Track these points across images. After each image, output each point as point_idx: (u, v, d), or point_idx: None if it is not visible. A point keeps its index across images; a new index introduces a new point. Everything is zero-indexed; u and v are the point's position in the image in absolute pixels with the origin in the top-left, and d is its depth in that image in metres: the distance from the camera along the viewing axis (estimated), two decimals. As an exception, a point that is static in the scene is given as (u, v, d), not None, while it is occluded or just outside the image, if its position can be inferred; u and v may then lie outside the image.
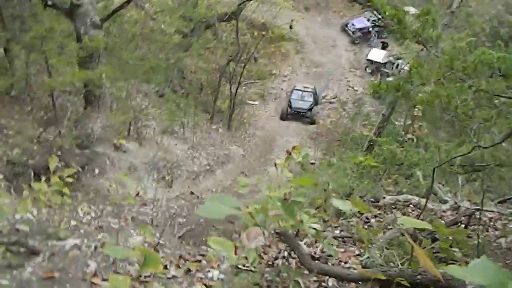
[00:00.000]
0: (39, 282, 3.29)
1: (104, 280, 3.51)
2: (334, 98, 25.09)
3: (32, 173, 6.27)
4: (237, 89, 19.02)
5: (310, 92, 23.15)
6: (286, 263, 3.90)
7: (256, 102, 24.19)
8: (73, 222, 5.27)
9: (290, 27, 27.16)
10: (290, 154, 3.77)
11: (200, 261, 4.30)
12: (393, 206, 6.16)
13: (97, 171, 7.72)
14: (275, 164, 3.55)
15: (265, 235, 1.44)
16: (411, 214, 6.04)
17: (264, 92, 25.03)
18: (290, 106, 22.57)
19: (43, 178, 4.53)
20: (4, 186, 5.69)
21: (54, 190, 4.47)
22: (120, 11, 10.34)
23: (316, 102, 23.13)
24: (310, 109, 22.23)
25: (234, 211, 1.17)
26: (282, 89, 26.03)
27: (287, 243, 3.53)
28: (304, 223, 3.21)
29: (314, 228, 3.17)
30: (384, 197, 6.54)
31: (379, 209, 6.48)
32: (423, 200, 6.37)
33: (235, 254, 1.37)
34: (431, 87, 2.28)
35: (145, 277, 3.85)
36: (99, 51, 6.91)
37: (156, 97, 14.26)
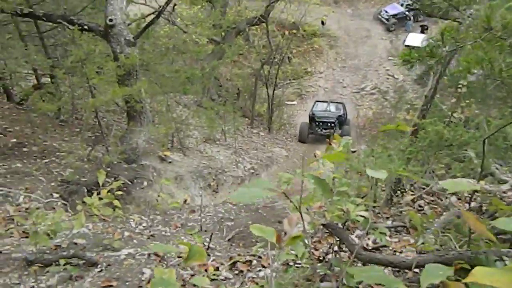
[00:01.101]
0: (99, 291, 3.42)
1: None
2: (374, 88, 24.48)
3: (86, 190, 6.57)
4: (273, 91, 19.01)
5: (338, 103, 19.99)
6: (337, 256, 3.80)
7: (294, 102, 24.09)
8: (126, 233, 5.47)
9: (322, 22, 26.86)
10: (330, 144, 3.68)
11: (251, 261, 4.30)
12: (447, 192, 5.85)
13: (145, 183, 7.96)
14: (315, 155, 3.48)
15: (307, 220, 1.40)
16: (467, 198, 5.72)
17: (301, 91, 24.89)
18: (313, 119, 18.18)
19: (95, 193, 4.74)
20: (61, 204, 6.01)
21: (105, 203, 4.65)
22: (153, 28, 10.71)
23: (345, 118, 19.02)
24: (340, 122, 18.00)
25: (268, 192, 1.13)
26: (319, 86, 25.77)
27: (336, 236, 3.44)
28: (351, 212, 3.12)
29: (362, 216, 3.07)
30: (437, 183, 6.23)
31: (432, 195, 6.19)
32: (481, 182, 6.01)
33: (279, 241, 1.34)
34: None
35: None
36: (136, 68, 7.15)
37: (195, 107, 14.56)
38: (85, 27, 7.07)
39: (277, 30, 22.02)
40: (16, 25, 8.24)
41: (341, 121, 18.33)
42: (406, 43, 23.87)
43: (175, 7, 12.50)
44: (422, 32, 24.49)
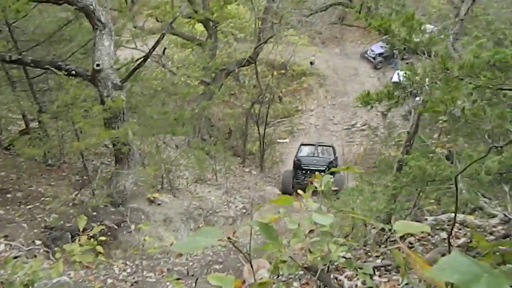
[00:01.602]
0: None
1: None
2: (364, 125, 24.79)
3: (70, 236, 6.41)
4: (265, 129, 19.16)
5: (327, 147, 17.59)
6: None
7: (286, 140, 24.24)
8: (109, 280, 5.31)
9: (311, 63, 27.58)
10: (312, 183, 3.66)
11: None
12: (437, 227, 5.79)
13: (132, 227, 7.79)
14: (298, 194, 3.44)
15: (269, 267, 1.35)
16: (458, 232, 5.66)
17: (293, 128, 25.12)
18: (298, 167, 15.77)
19: (76, 239, 4.60)
20: (43, 251, 5.83)
21: (86, 249, 4.52)
22: (144, 71, 10.91)
23: (336, 165, 15.82)
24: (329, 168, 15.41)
25: (211, 241, 1.10)
26: (310, 124, 26.06)
27: (318, 278, 3.35)
28: (332, 253, 3.06)
29: (344, 257, 3.00)
30: (426, 219, 6.17)
31: (422, 232, 6.11)
32: (469, 217, 5.96)
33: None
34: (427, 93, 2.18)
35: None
36: (123, 110, 7.20)
37: (186, 148, 14.57)
38: (73, 72, 7.18)
39: (267, 70, 22.54)
40: (5, 71, 8.36)
41: (334, 166, 15.72)
42: (393, 79, 24.44)
43: (166, 50, 12.78)
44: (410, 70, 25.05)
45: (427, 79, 1.87)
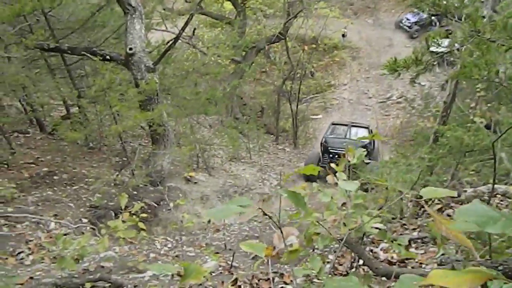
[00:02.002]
0: (124, 314, 3.48)
1: (182, 305, 3.61)
2: (400, 97, 24.05)
3: (113, 214, 6.75)
4: (297, 106, 19.01)
5: (362, 128, 15.28)
6: (358, 270, 3.73)
7: (319, 116, 23.96)
8: (152, 255, 5.57)
9: (343, 35, 26.83)
10: (344, 157, 3.66)
11: (273, 278, 4.28)
12: (478, 199, 5.64)
13: (171, 204, 8.07)
14: (329, 167, 3.45)
15: (298, 234, 1.40)
16: (499, 204, 5.49)
17: (326, 104, 24.76)
18: (326, 150, 13.86)
19: (120, 217, 4.86)
20: (89, 229, 6.19)
21: (131, 225, 4.76)
22: (175, 53, 11.05)
23: (372, 149, 14.36)
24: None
25: (242, 209, 1.15)
26: (344, 98, 25.56)
27: (352, 251, 3.39)
28: (366, 224, 3.07)
29: (378, 228, 3.01)
30: (465, 190, 6.01)
31: (460, 204, 5.96)
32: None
33: (270, 256, 1.34)
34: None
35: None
36: (157, 92, 7.37)
37: (220, 127, 14.75)
38: (107, 57, 7.39)
39: (297, 46, 22.18)
40: (45, 59, 8.73)
41: (369, 151, 13.42)
42: (431, 49, 23.19)
43: (195, 31, 12.86)
44: (446, 36, 23.90)
45: (456, 43, 1.80)
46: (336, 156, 12.65)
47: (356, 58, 27.61)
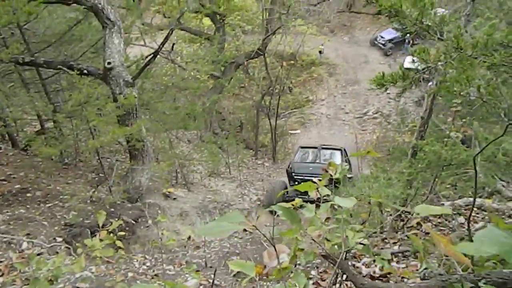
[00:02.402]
0: (100, 337, 3.34)
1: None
2: (376, 113, 24.57)
3: (89, 232, 6.53)
4: (276, 121, 19.15)
5: (334, 150, 13.62)
6: (341, 286, 3.70)
7: (298, 131, 24.17)
8: (130, 274, 5.40)
9: (320, 52, 27.36)
10: (326, 171, 3.66)
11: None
12: (454, 212, 5.75)
13: (150, 221, 7.90)
14: (313, 182, 3.45)
15: (289, 252, 1.37)
16: (476, 217, 5.61)
17: (304, 119, 25.03)
18: (290, 176, 12.49)
19: (96, 235, 4.70)
20: (64, 248, 5.96)
21: (108, 244, 4.61)
22: (154, 68, 10.98)
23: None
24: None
25: (235, 227, 1.12)
26: (322, 113, 25.91)
27: (336, 266, 3.37)
28: (350, 240, 3.07)
29: (361, 243, 3.01)
30: (443, 204, 6.13)
31: (439, 217, 6.07)
32: (487, 201, 5.90)
33: (261, 274, 1.31)
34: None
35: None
36: (135, 107, 7.27)
37: (199, 142, 14.66)
38: (85, 71, 7.27)
39: (276, 62, 22.45)
40: (19, 73, 8.50)
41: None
42: (405, 66, 23.88)
43: (174, 46, 12.82)
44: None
45: (440, 59, 1.85)
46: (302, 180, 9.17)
47: (333, 74, 28.15)
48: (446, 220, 5.84)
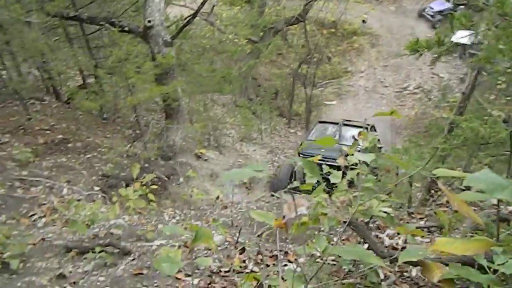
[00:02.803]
0: (130, 278, 3.59)
1: (187, 275, 3.71)
2: (417, 88, 23.69)
3: (124, 184, 6.87)
4: (311, 90, 18.87)
5: (358, 127, 11.26)
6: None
7: (333, 102, 23.76)
8: (160, 226, 5.68)
9: (363, 21, 26.33)
10: (356, 140, 3.65)
11: (277, 256, 4.36)
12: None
13: (181, 179, 8.18)
14: (341, 150, 3.45)
15: (309, 205, 1.42)
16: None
17: (341, 90, 24.51)
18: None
19: (131, 186, 4.95)
20: (100, 197, 6.33)
21: (140, 195, 4.85)
22: (193, 29, 11.01)
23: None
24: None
25: (257, 173, 1.18)
26: (360, 86, 25.25)
27: (358, 233, 3.41)
28: (374, 208, 3.09)
29: (386, 212, 3.02)
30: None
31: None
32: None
33: (280, 226, 1.38)
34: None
35: (225, 272, 4.00)
36: (173, 67, 7.39)
37: (233, 106, 14.77)
38: (126, 28, 7.40)
39: (316, 29, 21.85)
40: (63, 28, 8.77)
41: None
42: (453, 40, 22.60)
43: (214, 8, 12.73)
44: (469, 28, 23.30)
45: (482, 25, 1.77)
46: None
47: (375, 46, 27.13)
48: (479, 200, 5.70)
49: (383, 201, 3.14)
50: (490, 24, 1.71)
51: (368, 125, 11.15)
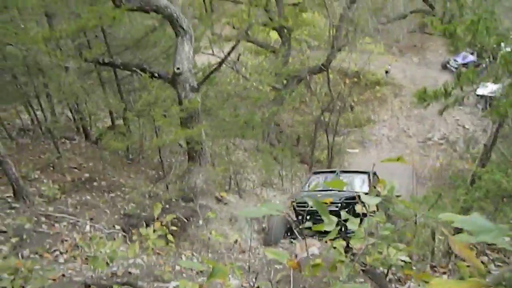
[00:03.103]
0: (145, 320, 3.59)
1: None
2: (442, 139, 23.45)
3: (145, 224, 6.96)
4: (333, 138, 18.96)
5: (359, 174, 10.50)
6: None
7: (356, 150, 23.70)
8: (177, 267, 5.68)
9: (386, 72, 26.76)
10: (374, 187, 3.67)
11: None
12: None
13: (200, 222, 8.22)
14: (358, 197, 3.48)
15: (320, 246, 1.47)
16: (539, 257, 5.21)
17: (363, 139, 24.51)
18: (297, 213, 9.12)
19: (152, 226, 5.04)
20: (121, 235, 6.42)
21: (159, 235, 4.92)
22: (219, 76, 11.48)
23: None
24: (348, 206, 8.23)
25: (272, 211, 1.25)
26: (383, 135, 25.22)
27: (376, 282, 3.35)
28: (392, 257, 3.06)
29: (403, 261, 2.98)
30: (504, 239, 5.77)
31: (497, 252, 5.71)
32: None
33: (294, 264, 1.42)
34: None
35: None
36: (198, 111, 7.68)
37: (255, 151, 14.95)
38: (156, 74, 7.82)
39: (339, 78, 22.32)
40: (98, 73, 9.34)
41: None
42: (478, 92, 22.69)
43: (240, 57, 13.31)
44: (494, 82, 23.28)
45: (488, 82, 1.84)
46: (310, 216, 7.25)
47: (398, 96, 27.33)
48: (504, 255, 5.48)
49: (400, 250, 3.11)
50: (497, 80, 1.78)
51: (368, 172, 10.21)
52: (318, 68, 16.96)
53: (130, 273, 4.84)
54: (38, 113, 9.80)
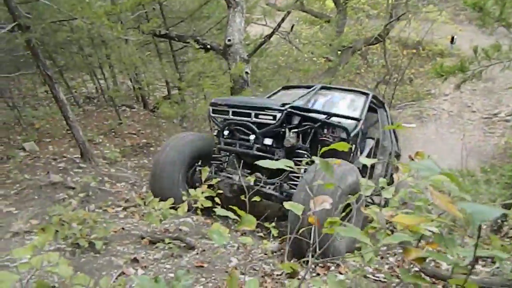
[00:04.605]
0: (192, 269, 4.00)
1: (242, 274, 4.04)
2: (509, 115, 21.88)
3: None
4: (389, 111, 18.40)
5: (349, 93, 6.62)
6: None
7: (413, 125, 22.77)
8: (223, 227, 6.09)
9: (451, 41, 25.10)
10: (412, 159, 3.74)
11: (329, 267, 4.52)
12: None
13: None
14: (396, 168, 3.56)
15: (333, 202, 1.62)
16: None
17: (421, 113, 23.48)
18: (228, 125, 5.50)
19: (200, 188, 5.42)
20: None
21: (207, 196, 5.30)
22: (271, 48, 11.52)
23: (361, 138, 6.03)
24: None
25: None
26: (443, 109, 23.95)
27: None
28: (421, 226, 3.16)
29: (431, 231, 3.07)
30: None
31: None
32: None
33: (313, 221, 1.61)
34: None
35: (277, 275, 4.27)
36: (247, 81, 7.86)
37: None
38: (208, 46, 8.09)
39: (399, 49, 21.35)
40: (155, 44, 9.80)
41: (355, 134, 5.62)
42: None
43: (294, 27, 13.16)
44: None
45: None
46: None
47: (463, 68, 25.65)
48: None
49: (432, 220, 3.18)
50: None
51: (368, 94, 6.64)
52: (374, 38, 16.32)
53: (180, 229, 5.29)
54: (102, 82, 10.56)
